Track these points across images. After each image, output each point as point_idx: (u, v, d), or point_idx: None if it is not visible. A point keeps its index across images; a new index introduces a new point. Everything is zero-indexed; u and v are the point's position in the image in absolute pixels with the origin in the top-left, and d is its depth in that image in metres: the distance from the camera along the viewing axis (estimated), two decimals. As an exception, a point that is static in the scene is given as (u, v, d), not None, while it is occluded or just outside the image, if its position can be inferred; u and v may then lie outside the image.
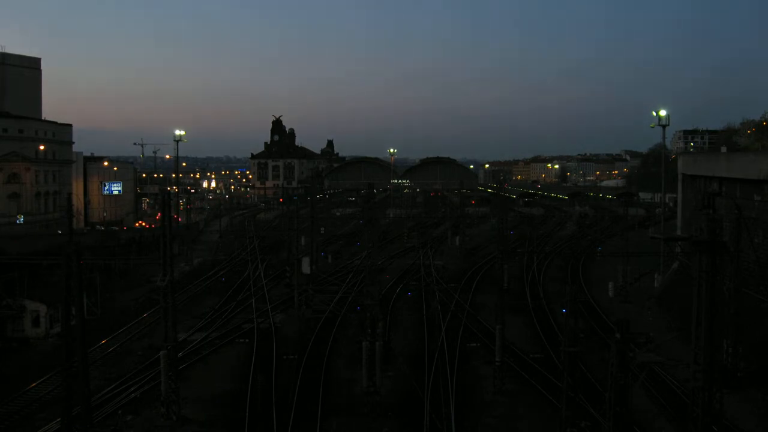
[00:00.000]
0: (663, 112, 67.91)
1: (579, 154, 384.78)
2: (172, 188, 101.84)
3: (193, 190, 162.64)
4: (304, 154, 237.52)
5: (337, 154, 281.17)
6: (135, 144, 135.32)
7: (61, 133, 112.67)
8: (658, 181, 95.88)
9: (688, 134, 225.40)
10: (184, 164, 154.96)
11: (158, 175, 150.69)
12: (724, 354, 35.44)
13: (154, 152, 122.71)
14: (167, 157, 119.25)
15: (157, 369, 34.67)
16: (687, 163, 67.33)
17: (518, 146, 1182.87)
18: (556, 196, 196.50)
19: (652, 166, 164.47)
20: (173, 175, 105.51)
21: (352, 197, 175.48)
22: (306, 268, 58.39)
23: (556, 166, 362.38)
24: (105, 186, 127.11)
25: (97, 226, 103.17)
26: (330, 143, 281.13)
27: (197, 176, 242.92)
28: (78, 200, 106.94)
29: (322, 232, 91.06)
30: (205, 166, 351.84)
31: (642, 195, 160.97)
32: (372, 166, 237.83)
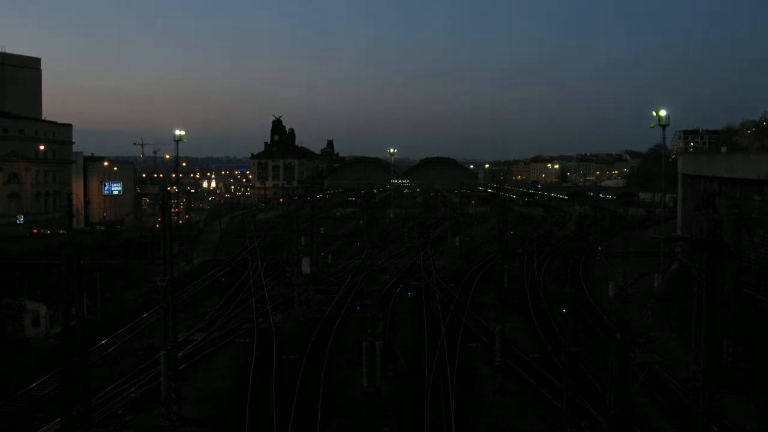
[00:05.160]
0: (663, 112, 67.84)
1: (579, 154, 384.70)
2: (172, 188, 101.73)
3: (193, 190, 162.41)
4: (304, 154, 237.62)
5: (337, 154, 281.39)
6: (135, 144, 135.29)
7: (61, 133, 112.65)
8: (658, 181, 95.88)
9: (688, 134, 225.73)
10: (184, 164, 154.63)
11: (158, 175, 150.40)
12: (724, 354, 35.41)
13: (154, 152, 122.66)
14: (167, 157, 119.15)
15: (157, 369, 34.64)
16: (687, 163, 67.18)
17: (518, 146, 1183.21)
18: (556, 196, 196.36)
19: (652, 166, 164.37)
20: (173, 175, 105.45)
21: (352, 197, 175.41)
22: (306, 268, 58.40)
23: (556, 166, 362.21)
24: (105, 186, 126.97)
25: (98, 226, 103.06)
26: (330, 143, 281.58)
27: (197, 176, 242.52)
28: (78, 200, 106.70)
29: (322, 232, 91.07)
30: (205, 166, 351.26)
31: (642, 195, 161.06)
32: (372, 166, 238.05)
